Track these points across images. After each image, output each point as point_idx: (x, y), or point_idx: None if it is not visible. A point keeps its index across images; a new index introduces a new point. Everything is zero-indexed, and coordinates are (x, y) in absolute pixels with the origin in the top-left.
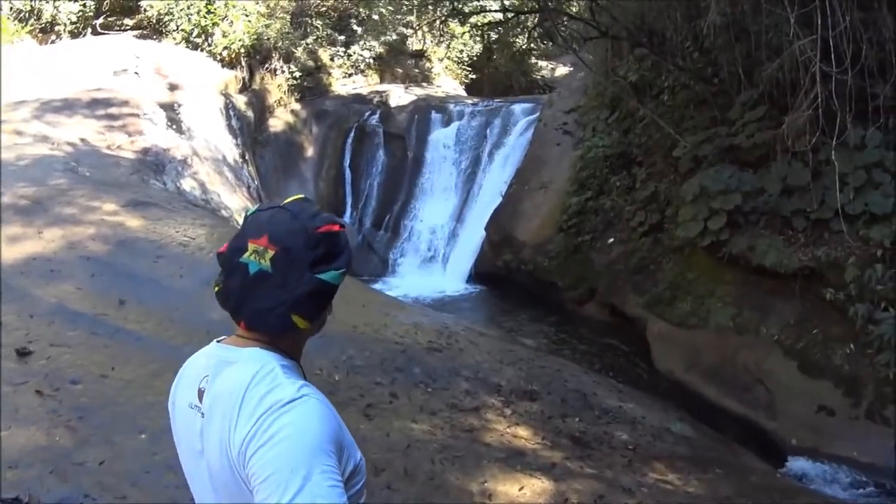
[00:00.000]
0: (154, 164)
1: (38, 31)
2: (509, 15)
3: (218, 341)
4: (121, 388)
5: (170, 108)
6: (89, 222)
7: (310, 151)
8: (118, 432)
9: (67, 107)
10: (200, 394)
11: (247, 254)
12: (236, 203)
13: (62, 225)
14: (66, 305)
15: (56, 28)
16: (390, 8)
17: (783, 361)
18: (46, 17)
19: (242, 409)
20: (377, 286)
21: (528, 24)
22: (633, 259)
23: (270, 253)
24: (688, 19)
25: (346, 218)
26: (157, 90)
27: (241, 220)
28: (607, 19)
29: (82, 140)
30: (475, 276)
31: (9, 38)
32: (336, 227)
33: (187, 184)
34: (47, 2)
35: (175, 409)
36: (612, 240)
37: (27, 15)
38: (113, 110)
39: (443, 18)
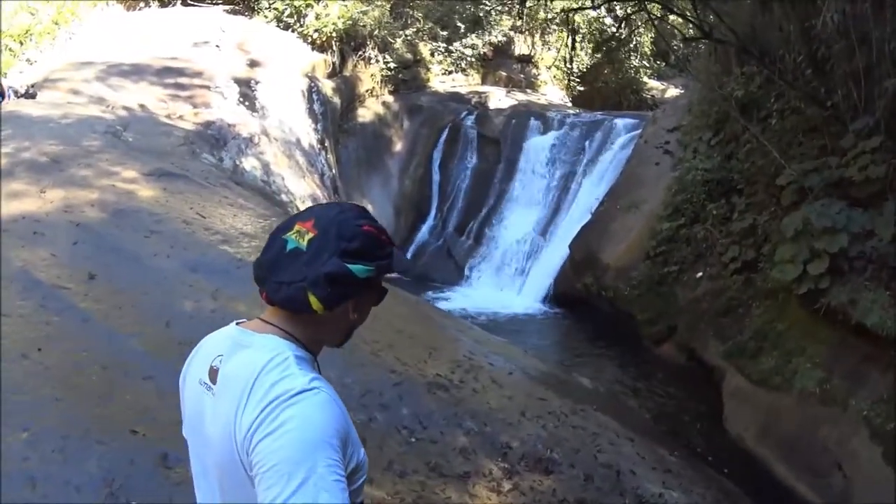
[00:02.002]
0: (214, 138)
1: None
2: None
3: (237, 323)
4: (34, 373)
5: (245, 84)
6: (98, 187)
7: (398, 146)
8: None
9: (135, 72)
10: (212, 372)
11: (290, 233)
12: (302, 189)
13: (68, 186)
14: (30, 272)
15: None
16: (497, 7)
17: (869, 445)
18: None
19: (252, 394)
20: (446, 294)
21: (641, 31)
22: (721, 299)
23: (310, 235)
24: (802, 32)
25: (430, 220)
26: (236, 65)
27: (301, 207)
28: (713, 20)
29: (141, 106)
30: (552, 296)
31: (93, 2)
32: (382, 235)
33: (249, 163)
34: None
35: (185, 384)
36: (700, 274)
37: None
38: (183, 80)
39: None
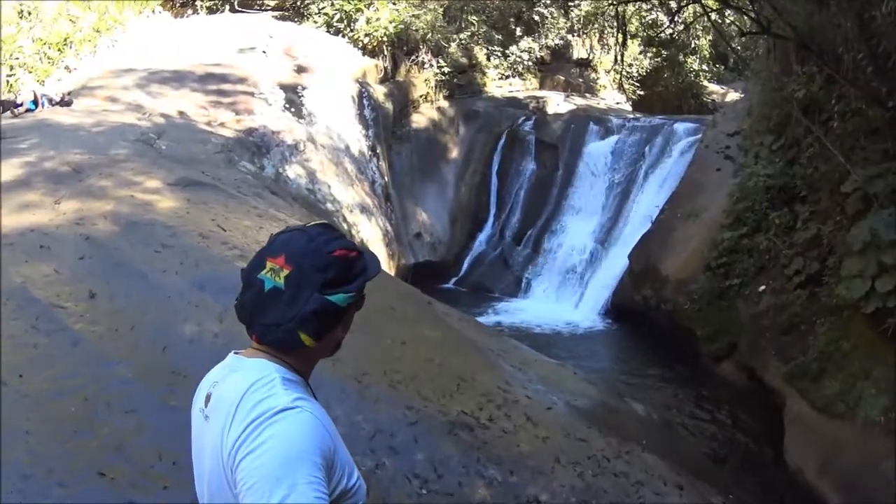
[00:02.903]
0: (255, 145)
1: (178, 4)
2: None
3: (235, 353)
4: (9, 402)
5: (291, 90)
6: (115, 198)
7: (454, 153)
8: None
9: (176, 79)
10: (207, 399)
11: (264, 271)
12: (350, 197)
13: (84, 197)
14: (28, 289)
15: (194, 3)
16: (552, 10)
17: None
18: None
19: (237, 414)
20: (502, 306)
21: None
22: (784, 315)
23: (285, 272)
24: (860, 28)
25: (488, 229)
26: (282, 71)
27: (348, 217)
28: (770, 14)
29: (179, 113)
30: (611, 308)
31: (138, 9)
32: (352, 254)
33: (293, 170)
34: None
35: (192, 415)
36: (762, 287)
37: None
38: (226, 86)
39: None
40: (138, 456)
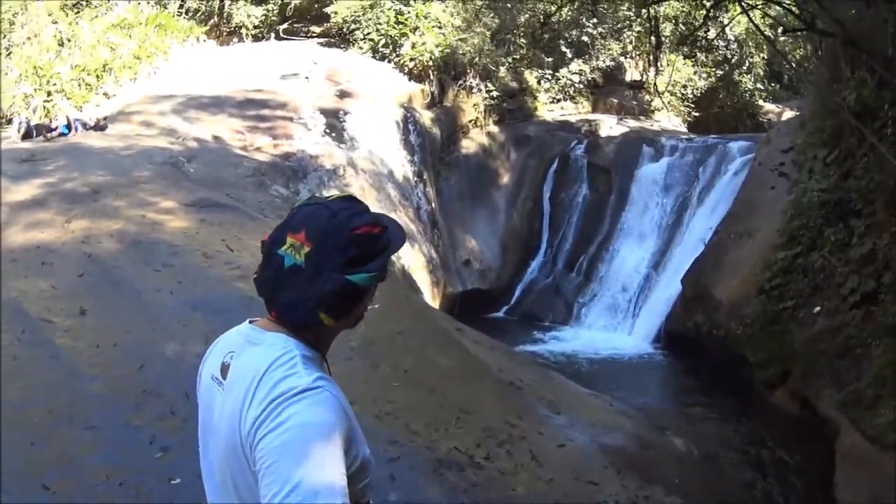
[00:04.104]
0: (292, 169)
1: (224, 32)
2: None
3: (250, 321)
4: None
5: (333, 115)
6: (125, 217)
7: (505, 179)
8: None
9: (215, 104)
10: (224, 368)
11: (284, 247)
12: None
13: (95, 217)
14: (21, 303)
15: (240, 31)
16: (601, 30)
17: None
18: (236, 20)
19: (258, 391)
20: (553, 335)
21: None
22: (838, 338)
23: (305, 249)
24: None
25: (540, 256)
26: (324, 96)
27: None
28: (815, 9)
29: (214, 137)
30: (663, 336)
31: (182, 37)
32: (375, 230)
33: (331, 195)
34: (232, 4)
35: (200, 380)
36: (817, 309)
37: (205, 16)
38: (265, 112)
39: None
40: (86, 472)
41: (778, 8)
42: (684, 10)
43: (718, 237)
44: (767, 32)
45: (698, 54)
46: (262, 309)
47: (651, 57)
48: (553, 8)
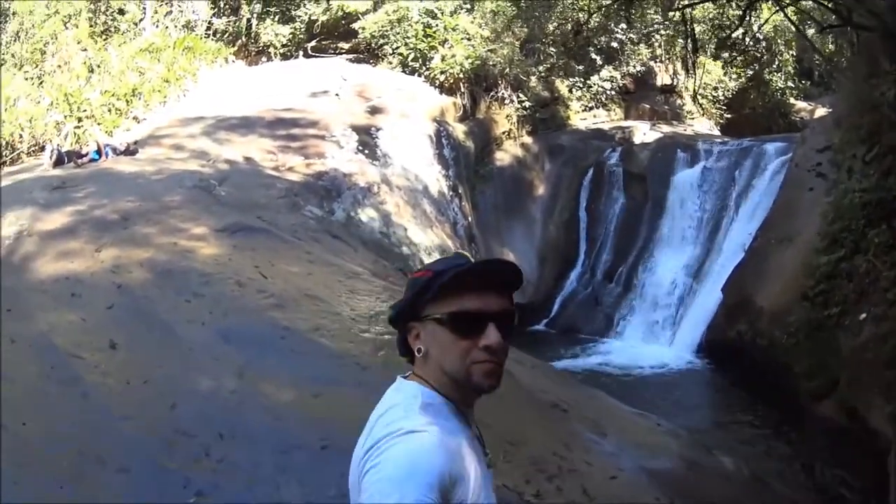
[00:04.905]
0: (325, 189)
1: (253, 52)
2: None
3: (402, 376)
4: (7, 448)
5: (365, 132)
6: (156, 245)
7: (540, 190)
8: None
9: (245, 125)
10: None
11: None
12: (429, 240)
13: (125, 245)
14: (51, 338)
15: (268, 50)
16: (631, 35)
17: None
18: (263, 40)
19: (374, 431)
20: (593, 347)
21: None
22: (887, 346)
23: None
24: None
25: (578, 267)
26: (355, 113)
27: (426, 260)
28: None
29: (246, 159)
30: (705, 346)
31: (210, 58)
32: (425, 274)
33: (366, 213)
34: (259, 23)
35: None
36: (864, 315)
37: (232, 37)
38: (296, 131)
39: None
40: None
41: (808, 3)
42: (711, 11)
43: (758, 243)
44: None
45: (727, 55)
46: (300, 339)
47: (689, 61)
48: (583, 15)
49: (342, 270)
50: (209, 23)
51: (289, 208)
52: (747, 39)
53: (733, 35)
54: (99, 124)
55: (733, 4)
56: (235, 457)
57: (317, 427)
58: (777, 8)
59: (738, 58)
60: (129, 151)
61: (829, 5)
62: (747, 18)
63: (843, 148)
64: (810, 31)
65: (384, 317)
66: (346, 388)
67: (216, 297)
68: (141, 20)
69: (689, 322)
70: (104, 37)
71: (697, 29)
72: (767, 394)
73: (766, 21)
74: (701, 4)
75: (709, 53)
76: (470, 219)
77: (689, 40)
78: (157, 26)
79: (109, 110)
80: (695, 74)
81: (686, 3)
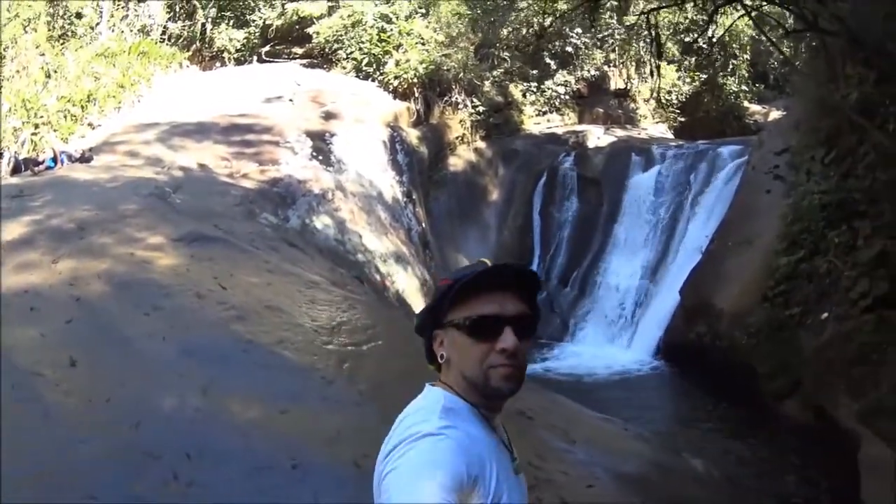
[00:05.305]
0: (280, 196)
1: (207, 57)
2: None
3: (430, 383)
4: None
5: (319, 138)
6: (113, 256)
7: (494, 195)
8: None
9: (199, 131)
10: None
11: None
12: (384, 247)
13: (83, 256)
14: (11, 355)
15: (222, 55)
16: (586, 40)
17: None
18: (218, 45)
19: (394, 433)
20: (551, 353)
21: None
22: (851, 344)
23: None
24: None
25: None
26: (309, 118)
27: (381, 267)
28: (815, 8)
29: (200, 165)
30: (664, 348)
31: (164, 63)
32: (444, 282)
33: (320, 221)
34: (214, 28)
35: None
36: (826, 315)
37: (186, 41)
38: (250, 137)
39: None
40: None
41: (772, 7)
42: (668, 15)
43: (715, 245)
44: (754, 33)
45: (685, 59)
46: (263, 353)
47: (651, 65)
48: (541, 19)
49: (301, 280)
50: (164, 27)
51: (245, 216)
52: (703, 43)
53: (699, 39)
54: (55, 131)
55: (699, 9)
56: (205, 479)
57: (286, 445)
58: (743, 12)
59: (701, 61)
60: (84, 159)
61: (794, 10)
62: (716, 22)
63: (802, 150)
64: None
65: (346, 328)
66: (312, 403)
67: (176, 310)
68: (98, 24)
69: (646, 325)
70: (62, 41)
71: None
72: (730, 394)
73: (731, 26)
74: (665, 10)
75: (663, 57)
76: (424, 225)
77: (653, 45)
78: (113, 30)
79: (65, 116)
80: (659, 78)
81: (652, 7)
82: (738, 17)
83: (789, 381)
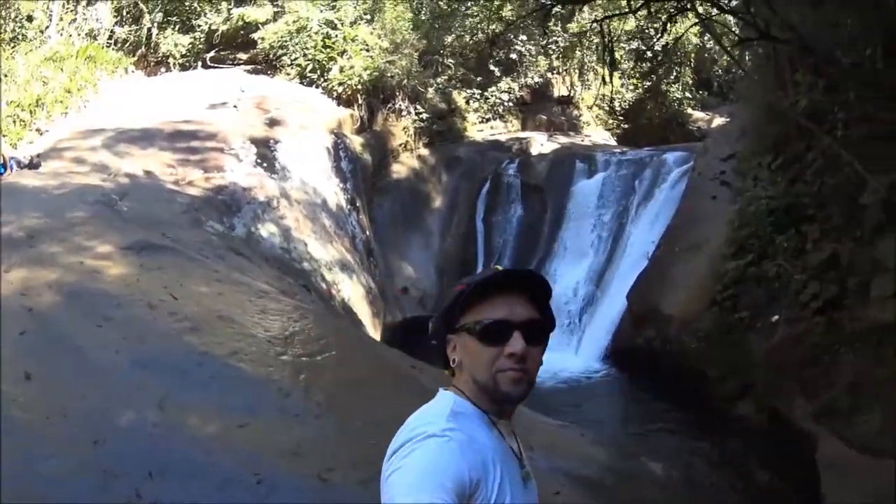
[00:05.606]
0: (225, 203)
1: (152, 63)
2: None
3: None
4: None
5: (263, 145)
6: (63, 265)
7: (437, 202)
8: None
9: (145, 137)
10: None
11: None
12: (329, 255)
13: (33, 265)
14: None
15: (167, 61)
16: (530, 47)
17: None
18: (163, 50)
19: (400, 433)
20: None
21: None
22: (802, 346)
23: None
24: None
25: None
26: (254, 125)
27: (327, 275)
28: (768, 16)
29: (146, 172)
30: (612, 354)
31: (111, 68)
32: (458, 287)
33: (266, 229)
34: (160, 33)
35: None
36: (776, 318)
37: (133, 46)
38: (195, 143)
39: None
40: None
41: (724, 16)
42: (618, 23)
43: (662, 251)
44: (698, 41)
45: (634, 67)
46: (219, 365)
47: (607, 72)
48: (487, 26)
49: (251, 289)
50: (112, 31)
51: (191, 224)
52: (650, 51)
53: (650, 47)
54: (4, 136)
55: (652, 17)
56: (169, 496)
57: (248, 460)
58: (696, 21)
59: (647, 69)
60: (33, 165)
61: (748, 18)
62: (670, 31)
63: (748, 157)
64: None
65: (300, 338)
66: (270, 415)
67: (128, 321)
68: (47, 27)
69: (593, 330)
70: (13, 45)
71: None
72: (681, 398)
73: (683, 34)
74: (615, 18)
75: (616, 65)
76: (368, 232)
77: (605, 52)
78: (62, 34)
79: (14, 122)
80: (612, 85)
81: (606, 15)
82: (691, 26)
83: (740, 383)
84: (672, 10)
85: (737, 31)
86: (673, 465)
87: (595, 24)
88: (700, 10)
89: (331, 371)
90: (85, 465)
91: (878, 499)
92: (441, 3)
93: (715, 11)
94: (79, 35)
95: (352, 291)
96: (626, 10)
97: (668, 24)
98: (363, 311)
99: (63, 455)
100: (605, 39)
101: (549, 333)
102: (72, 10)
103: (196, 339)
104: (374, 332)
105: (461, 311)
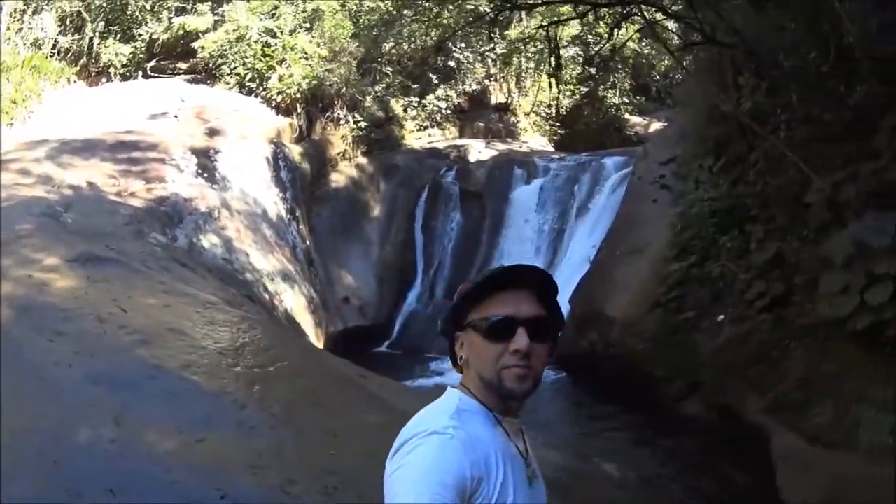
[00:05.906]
0: (167, 215)
1: (93, 73)
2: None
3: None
4: None
5: (204, 155)
6: (13, 278)
7: (376, 211)
8: None
9: (87, 148)
10: None
11: None
12: (270, 265)
13: None
14: None
15: (108, 70)
16: (468, 55)
17: None
18: (104, 60)
19: (404, 431)
20: (440, 367)
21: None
22: (749, 344)
23: None
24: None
25: (416, 287)
26: (194, 135)
27: (269, 286)
28: (714, 21)
29: (89, 184)
30: (554, 358)
31: (54, 78)
32: (466, 286)
33: (208, 240)
34: (102, 42)
35: None
36: (721, 317)
37: (75, 56)
38: (136, 154)
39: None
40: None
41: (670, 21)
42: (565, 28)
43: (603, 254)
44: (635, 46)
45: (565, 73)
46: (172, 379)
47: (556, 77)
48: (425, 34)
49: (198, 301)
50: (55, 41)
51: (134, 236)
52: (592, 56)
53: (595, 52)
54: None
55: (598, 22)
56: None
57: (209, 475)
58: (642, 25)
59: (585, 75)
60: None
61: (694, 23)
62: (611, 38)
63: (689, 160)
64: (660, 48)
65: (250, 349)
66: (228, 429)
67: (79, 335)
68: None
69: None
70: None
71: (536, 47)
72: (628, 400)
73: (629, 39)
74: (558, 24)
75: (562, 69)
76: (308, 242)
77: (551, 57)
78: (8, 43)
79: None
80: (559, 90)
81: (553, 20)
82: (636, 31)
83: (687, 383)
84: (618, 16)
85: (679, 36)
86: (626, 465)
87: (541, 30)
88: (646, 14)
89: (283, 382)
90: (48, 485)
91: (833, 490)
92: (382, 7)
93: (660, 16)
94: (24, 44)
95: (294, 302)
96: (573, 15)
97: (615, 30)
98: (306, 320)
99: (25, 476)
100: (552, 45)
101: (556, 331)
102: (18, 20)
103: (147, 353)
104: (318, 341)
105: (469, 308)
